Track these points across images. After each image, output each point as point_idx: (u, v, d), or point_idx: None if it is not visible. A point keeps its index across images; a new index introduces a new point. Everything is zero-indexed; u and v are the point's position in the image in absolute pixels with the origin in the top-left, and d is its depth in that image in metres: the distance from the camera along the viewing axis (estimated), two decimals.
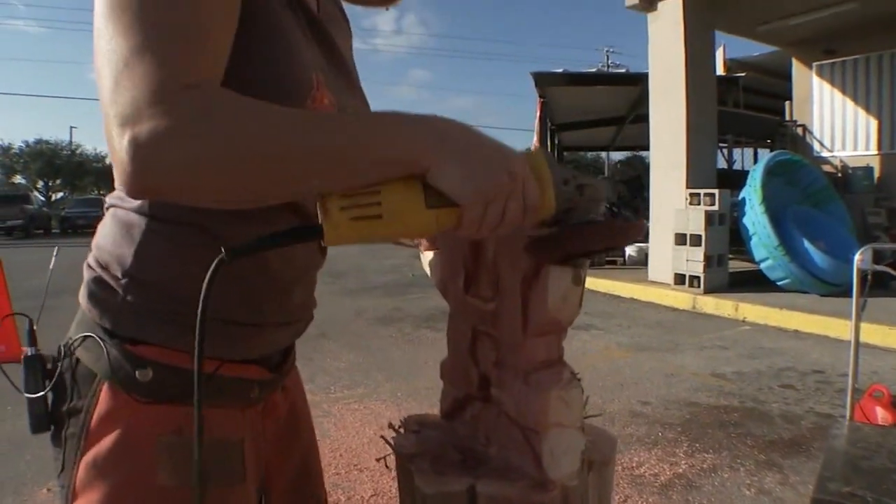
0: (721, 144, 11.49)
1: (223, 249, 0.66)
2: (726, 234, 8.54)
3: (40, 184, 46.78)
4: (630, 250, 10.85)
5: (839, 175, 10.85)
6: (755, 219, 7.98)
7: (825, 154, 11.47)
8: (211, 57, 0.71)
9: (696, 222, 8.31)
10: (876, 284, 2.89)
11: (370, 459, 3.44)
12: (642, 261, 10.08)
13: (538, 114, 13.99)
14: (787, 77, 12.38)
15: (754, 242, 8.08)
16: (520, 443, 0.86)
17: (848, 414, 2.84)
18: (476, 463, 0.90)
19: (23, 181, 46.54)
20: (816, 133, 11.67)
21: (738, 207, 8.49)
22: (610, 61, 51.67)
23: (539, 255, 0.81)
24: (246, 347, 0.92)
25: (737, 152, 14.13)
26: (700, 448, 3.57)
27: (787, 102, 12.86)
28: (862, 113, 11.00)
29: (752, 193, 8.15)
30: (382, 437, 1.02)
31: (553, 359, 0.88)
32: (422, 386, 4.78)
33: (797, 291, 7.84)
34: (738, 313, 7.40)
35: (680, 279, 8.51)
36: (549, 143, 15.71)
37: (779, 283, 8.05)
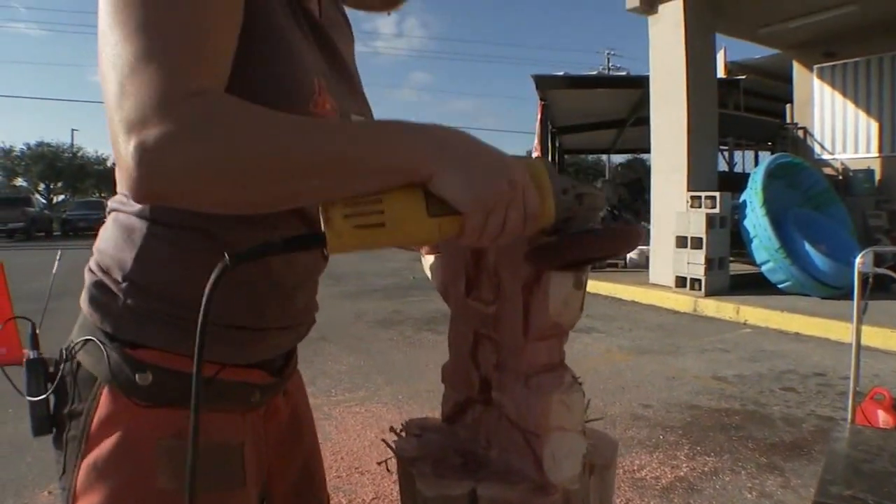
0: (722, 147, 11.48)
1: (226, 255, 0.66)
2: (727, 237, 8.54)
3: (42, 186, 46.88)
4: (631, 253, 10.85)
5: (840, 178, 10.85)
6: (756, 221, 7.97)
7: (826, 157, 11.47)
8: (215, 63, 0.71)
9: (696, 225, 8.31)
10: (877, 287, 2.89)
11: (371, 462, 3.44)
12: (643, 264, 10.08)
13: (539, 116, 14.02)
14: (788, 80, 12.39)
15: (755, 245, 8.08)
16: (521, 446, 0.86)
17: (849, 417, 2.84)
18: (477, 466, 0.90)
19: (24, 184, 46.64)
20: (817, 135, 11.68)
21: (739, 210, 8.49)
22: (611, 64, 51.76)
23: (539, 264, 0.82)
24: (247, 351, 0.92)
25: (738, 155, 14.11)
26: (701, 451, 3.56)
27: (787, 105, 12.87)
28: (863, 115, 11.01)
29: (752, 196, 8.14)
30: (384, 440, 1.02)
31: (554, 362, 0.88)
32: (423, 389, 4.78)
33: (798, 294, 7.83)
34: (740, 316, 7.40)
35: (681, 282, 8.51)
36: (549, 146, 15.72)
37: (780, 286, 8.05)
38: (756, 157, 14.90)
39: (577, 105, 15.18)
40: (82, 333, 0.88)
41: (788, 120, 12.69)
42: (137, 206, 0.85)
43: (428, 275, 1.10)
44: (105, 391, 0.84)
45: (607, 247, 0.77)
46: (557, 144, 18.47)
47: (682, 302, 8.22)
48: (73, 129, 75.49)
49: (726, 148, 12.44)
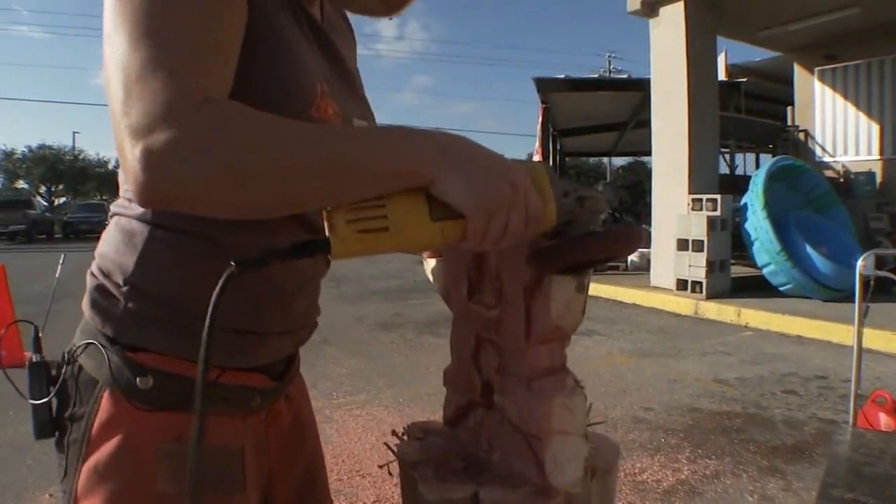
0: (723, 150, 11.50)
1: (232, 263, 0.66)
2: (728, 240, 8.54)
3: (43, 189, 46.95)
4: (632, 256, 10.85)
5: (841, 180, 10.86)
6: (757, 224, 7.97)
7: (827, 159, 11.48)
8: (221, 70, 0.72)
9: (698, 228, 8.30)
10: (878, 290, 2.89)
11: (372, 465, 3.43)
12: (644, 266, 10.08)
13: (540, 119, 14.03)
14: (789, 82, 12.41)
15: (756, 248, 8.07)
16: (523, 450, 0.86)
17: (851, 420, 2.83)
18: (479, 470, 0.90)
19: (25, 186, 46.69)
20: (818, 138, 11.68)
21: (741, 213, 8.49)
22: (612, 66, 51.79)
23: (540, 267, 0.82)
24: (248, 356, 0.92)
25: (739, 157, 14.15)
26: (703, 454, 3.56)
27: (788, 107, 12.89)
28: (864, 118, 11.01)
29: (754, 199, 8.14)
30: (386, 444, 1.02)
31: (556, 366, 0.88)
32: (423, 392, 4.77)
33: (799, 297, 7.83)
34: (741, 319, 7.39)
35: (682, 285, 8.51)
36: (551, 149, 15.73)
37: (781, 289, 8.04)
38: (757, 159, 14.91)
39: (578, 108, 15.19)
40: (84, 337, 0.88)
41: (789, 122, 12.70)
42: (139, 211, 0.86)
43: (430, 278, 1.10)
44: (106, 395, 0.84)
45: (608, 249, 0.78)
46: (559, 147, 18.47)
47: (683, 305, 8.21)
48: (74, 132, 75.98)
49: (727, 150, 12.46)
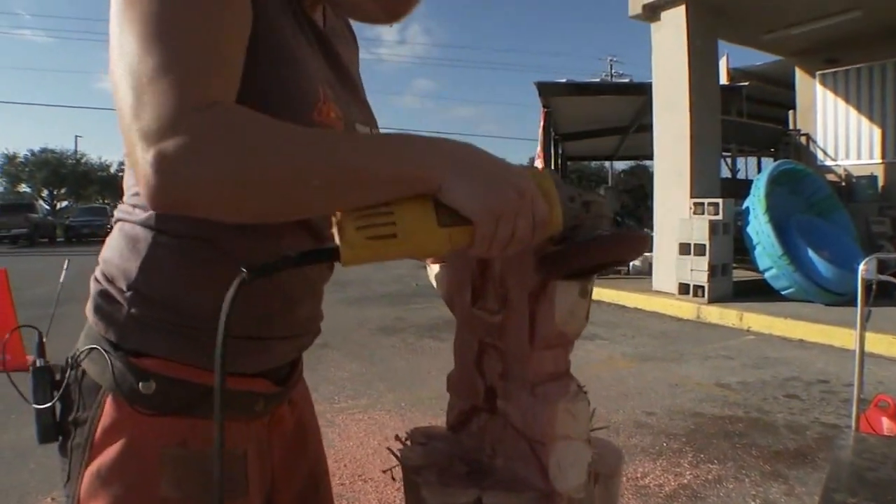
0: (725, 154, 11.50)
1: (243, 270, 0.67)
2: (730, 244, 8.53)
3: (45, 192, 47.00)
4: (634, 260, 10.82)
5: (843, 184, 10.85)
6: (759, 228, 7.97)
7: (829, 163, 11.47)
8: (228, 75, 0.73)
9: (700, 232, 8.30)
10: (881, 294, 2.88)
11: (374, 470, 3.43)
12: (646, 270, 10.08)
13: (542, 123, 14.01)
14: (791, 86, 12.41)
15: (758, 252, 8.07)
16: (526, 455, 0.86)
17: (853, 424, 2.83)
18: (482, 475, 0.90)
19: (28, 190, 46.76)
20: (820, 142, 11.68)
21: (742, 217, 8.49)
22: (613, 70, 51.86)
23: (547, 272, 0.82)
24: (251, 361, 0.92)
25: (740, 161, 14.16)
26: (705, 459, 3.56)
27: (790, 111, 12.88)
28: (865, 122, 11.01)
29: (755, 203, 8.14)
30: (389, 448, 1.02)
31: (560, 371, 0.88)
32: (425, 396, 4.77)
33: (802, 301, 7.82)
34: (743, 323, 7.38)
35: (684, 289, 8.50)
36: (552, 153, 15.72)
37: (783, 293, 8.04)
38: (759, 163, 14.91)
39: (579, 112, 15.19)
40: (87, 342, 0.88)
41: (791, 126, 12.70)
42: (143, 216, 0.86)
43: (433, 284, 1.11)
44: (109, 399, 0.84)
45: (614, 253, 0.78)
46: (560, 151, 18.46)
47: (685, 309, 8.21)
48: (76, 136, 76.14)
49: (729, 154, 12.47)
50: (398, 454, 0.99)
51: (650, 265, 9.74)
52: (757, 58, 13.31)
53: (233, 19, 0.74)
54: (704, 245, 8.22)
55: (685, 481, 3.27)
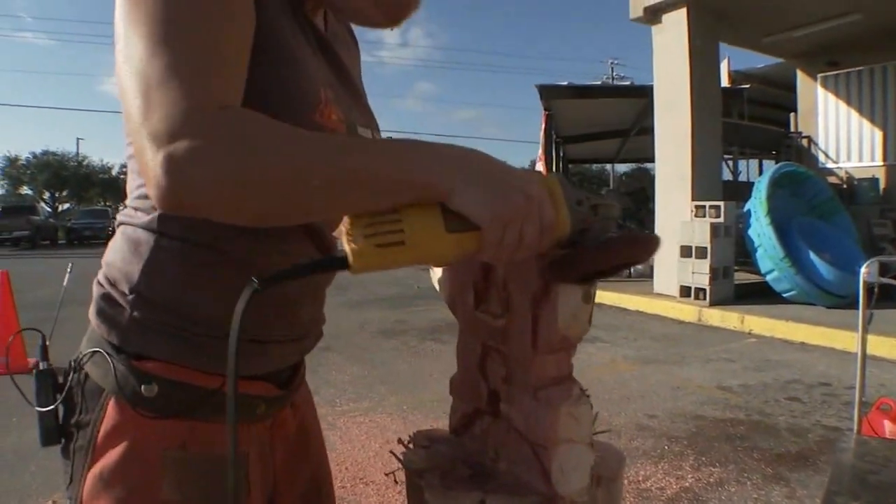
0: (726, 156, 11.50)
1: (254, 280, 0.67)
2: (732, 246, 8.53)
3: (47, 195, 46.99)
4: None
5: (845, 186, 10.85)
6: (761, 230, 7.97)
7: (830, 165, 11.48)
8: (235, 78, 0.73)
9: (701, 234, 8.30)
10: (883, 296, 2.88)
11: (376, 473, 3.43)
12: (648, 273, 10.07)
13: (543, 126, 14.03)
14: (792, 88, 12.41)
15: (760, 254, 8.07)
16: (529, 458, 0.86)
17: (855, 427, 2.82)
18: (485, 478, 0.90)
19: (29, 192, 46.78)
20: (821, 144, 11.68)
21: (744, 219, 8.48)
22: (614, 73, 51.87)
23: (557, 277, 0.81)
24: (252, 363, 0.92)
25: (742, 164, 14.14)
26: (706, 462, 3.55)
27: (791, 114, 12.89)
28: (867, 124, 11.01)
29: (757, 205, 8.14)
30: (392, 451, 1.02)
31: (563, 375, 0.88)
32: (427, 399, 4.77)
33: (803, 303, 7.81)
34: (744, 325, 7.38)
35: (686, 291, 8.50)
36: (554, 156, 15.74)
37: (785, 295, 8.04)
38: (760, 166, 14.91)
39: (581, 115, 15.21)
40: (90, 345, 0.89)
41: (792, 129, 12.72)
42: (145, 220, 0.86)
43: (436, 287, 1.11)
44: (112, 402, 0.85)
45: (625, 255, 0.77)
46: (562, 154, 18.49)
47: (686, 311, 8.20)
48: (78, 138, 76.04)
49: (731, 157, 12.47)
50: (401, 457, 0.99)
51: (651, 268, 9.73)
52: (758, 60, 13.33)
53: (237, 21, 0.75)
54: (706, 248, 8.22)
55: (687, 484, 3.27)
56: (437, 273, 1.10)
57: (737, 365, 5.78)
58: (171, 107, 0.65)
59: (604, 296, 9.39)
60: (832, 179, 10.81)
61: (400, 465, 0.99)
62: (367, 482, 3.35)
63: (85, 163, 49.57)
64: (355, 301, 9.85)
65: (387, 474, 1.53)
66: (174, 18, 0.70)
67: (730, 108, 11.88)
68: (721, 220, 8.30)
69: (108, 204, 46.05)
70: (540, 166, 13.72)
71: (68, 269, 5.28)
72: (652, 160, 10.12)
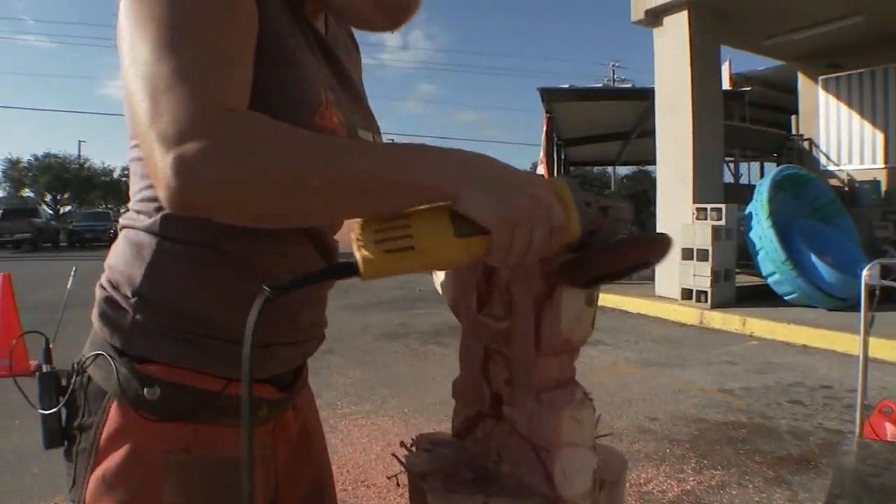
0: (727, 159, 11.49)
1: (266, 289, 0.68)
2: (733, 249, 8.52)
3: (48, 197, 47.01)
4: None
5: (846, 189, 10.85)
6: (762, 233, 7.96)
7: (832, 168, 11.47)
8: (241, 80, 0.74)
9: (702, 237, 8.29)
10: (884, 299, 2.88)
11: (377, 476, 3.43)
12: (649, 276, 10.06)
13: (544, 129, 14.03)
14: (793, 91, 12.42)
15: (761, 257, 8.06)
16: (532, 461, 0.86)
17: (857, 430, 2.82)
18: (488, 481, 0.90)
19: (31, 195, 46.80)
20: (823, 147, 11.68)
21: (745, 222, 8.47)
22: (616, 76, 51.90)
23: (566, 280, 0.81)
24: (256, 366, 0.92)
25: (743, 166, 14.12)
26: (708, 464, 3.55)
27: (793, 116, 12.89)
28: (868, 126, 11.01)
29: (758, 208, 8.14)
30: (394, 455, 1.02)
31: (565, 378, 0.88)
32: (429, 402, 4.77)
33: (805, 306, 7.81)
34: (746, 328, 7.37)
35: (687, 294, 8.49)
36: (555, 158, 15.74)
37: (786, 298, 8.03)
38: (762, 168, 14.89)
39: (582, 117, 15.22)
40: (93, 348, 0.89)
41: (794, 131, 12.71)
42: (147, 223, 0.87)
43: (439, 291, 1.11)
44: (114, 405, 0.85)
45: (635, 257, 0.77)
46: (563, 156, 18.50)
47: (688, 314, 8.20)
48: (80, 141, 76.05)
49: (732, 160, 12.45)
50: (403, 460, 1.00)
51: (653, 270, 9.73)
52: (759, 63, 13.34)
53: (241, 23, 0.76)
54: (707, 250, 8.22)
55: (688, 487, 3.26)
56: (439, 276, 1.10)
57: (738, 368, 5.78)
58: (180, 109, 0.66)
59: (605, 298, 9.37)
60: (833, 182, 10.81)
61: (402, 469, 0.99)
62: (368, 485, 3.34)
63: (86, 165, 49.59)
64: (357, 304, 9.84)
65: (389, 477, 1.53)
66: (180, 22, 0.70)
67: (731, 110, 11.90)
68: (722, 222, 8.30)
69: (109, 206, 46.04)
70: (541, 169, 13.71)
71: (72, 273, 5.29)
72: (653, 163, 10.13)
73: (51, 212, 42.42)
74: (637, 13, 9.60)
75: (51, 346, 1.00)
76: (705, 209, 8.50)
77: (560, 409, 0.82)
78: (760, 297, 8.37)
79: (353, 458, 3.69)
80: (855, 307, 2.96)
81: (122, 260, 0.88)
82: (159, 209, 0.85)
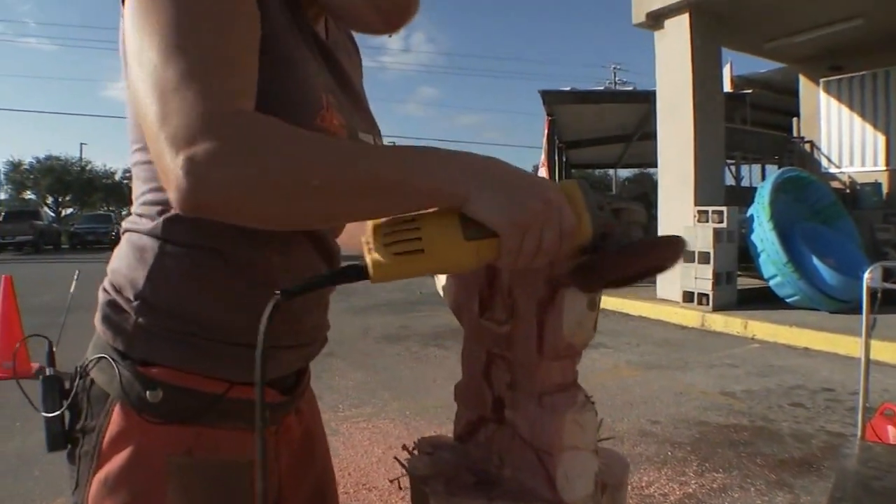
0: (729, 161, 11.49)
1: (276, 293, 0.69)
2: (735, 252, 8.51)
3: (50, 200, 47.09)
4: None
5: (847, 191, 10.84)
6: (763, 236, 7.96)
7: (833, 170, 11.46)
8: (248, 83, 0.74)
9: (704, 240, 8.29)
10: (886, 301, 2.88)
11: (379, 478, 3.43)
12: (651, 278, 10.05)
13: (546, 131, 14.05)
14: (795, 93, 12.42)
15: (763, 259, 8.06)
16: (534, 465, 0.86)
17: (859, 433, 2.82)
18: (490, 485, 0.90)
19: (33, 197, 46.89)
20: (824, 149, 11.67)
21: (747, 224, 8.47)
22: (617, 78, 51.95)
23: (579, 284, 0.80)
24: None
25: (745, 169, 14.13)
26: (710, 467, 3.54)
27: (794, 119, 12.88)
28: (870, 128, 11.01)
29: (760, 210, 8.13)
30: (396, 458, 1.03)
31: (567, 382, 0.88)
32: (430, 405, 4.77)
33: (806, 308, 7.80)
34: (747, 331, 7.37)
35: (688, 297, 8.49)
36: (556, 161, 15.75)
37: (788, 300, 8.02)
38: (763, 170, 14.90)
39: (583, 120, 15.23)
40: (96, 351, 0.89)
41: (795, 134, 12.71)
42: (150, 226, 0.87)
43: (441, 294, 1.11)
44: (117, 408, 0.85)
45: (648, 261, 0.76)
46: (564, 159, 18.52)
47: (689, 317, 8.19)
48: (81, 143, 76.02)
49: (733, 162, 12.45)
50: (405, 463, 1.00)
51: None
52: (760, 65, 13.37)
53: (246, 26, 0.76)
54: (709, 253, 8.21)
55: (690, 490, 3.26)
56: (441, 279, 1.10)
57: (740, 370, 5.77)
58: (189, 112, 0.66)
59: (607, 301, 9.35)
60: (835, 184, 10.79)
61: (404, 472, 0.99)
62: (370, 488, 3.34)
63: (88, 168, 49.70)
64: (359, 307, 9.85)
65: (391, 480, 1.53)
66: (186, 25, 0.71)
67: (732, 113, 11.89)
68: (724, 225, 8.29)
69: (111, 209, 46.14)
70: (543, 172, 13.72)
71: (75, 276, 5.30)
72: (654, 165, 10.12)
73: (52, 214, 42.51)
74: (638, 16, 9.61)
75: (54, 349, 1.00)
76: (707, 212, 8.49)
77: (562, 413, 0.83)
78: (762, 300, 8.36)
79: (355, 461, 3.69)
80: (856, 310, 2.95)
81: (125, 263, 0.89)
82: (162, 212, 0.86)
